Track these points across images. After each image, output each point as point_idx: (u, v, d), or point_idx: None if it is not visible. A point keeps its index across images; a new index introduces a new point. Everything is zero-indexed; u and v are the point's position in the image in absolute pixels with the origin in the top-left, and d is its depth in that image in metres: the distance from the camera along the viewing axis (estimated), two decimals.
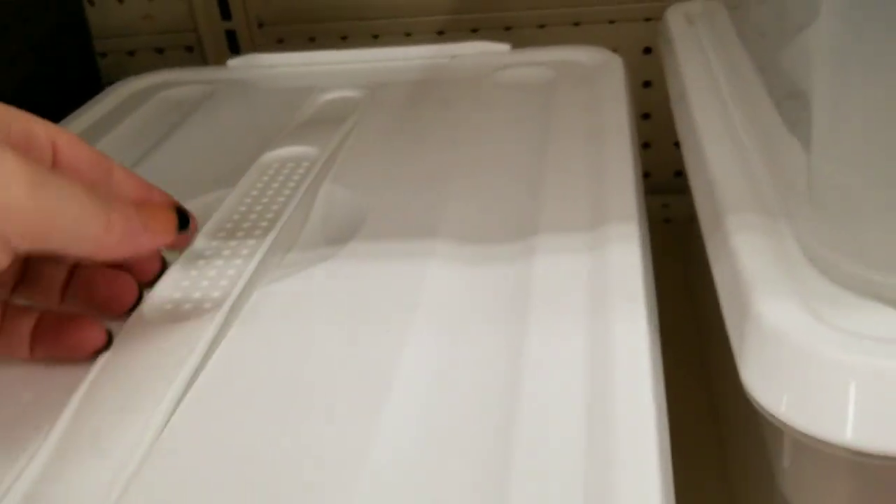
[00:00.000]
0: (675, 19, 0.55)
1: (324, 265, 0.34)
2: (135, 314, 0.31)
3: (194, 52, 0.80)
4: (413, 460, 0.24)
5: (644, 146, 0.75)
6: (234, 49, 0.78)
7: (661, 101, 0.49)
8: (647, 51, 0.71)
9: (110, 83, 0.67)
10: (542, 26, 0.72)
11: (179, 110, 0.52)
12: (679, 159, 0.41)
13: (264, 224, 0.36)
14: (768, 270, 0.28)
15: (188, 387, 0.28)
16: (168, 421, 0.26)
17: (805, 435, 0.25)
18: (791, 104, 0.34)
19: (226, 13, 0.78)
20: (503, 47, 0.55)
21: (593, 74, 0.50)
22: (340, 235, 0.36)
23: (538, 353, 0.27)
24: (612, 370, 0.26)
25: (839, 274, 0.27)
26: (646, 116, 0.74)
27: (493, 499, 0.22)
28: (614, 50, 0.53)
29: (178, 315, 0.31)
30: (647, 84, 0.73)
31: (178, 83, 0.56)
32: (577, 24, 0.71)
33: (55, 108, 0.56)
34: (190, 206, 0.34)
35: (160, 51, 0.81)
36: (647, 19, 0.70)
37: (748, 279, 0.28)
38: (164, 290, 0.32)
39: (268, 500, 0.23)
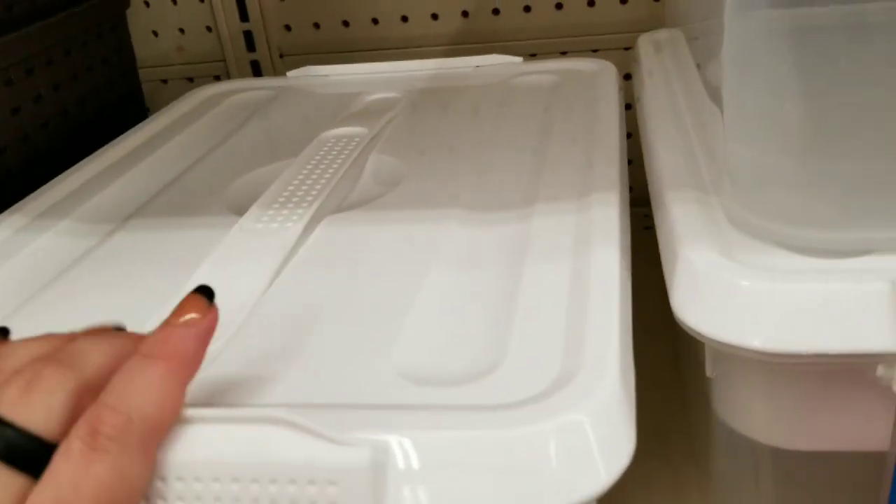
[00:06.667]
0: (645, 47, 0.64)
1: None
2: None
3: (221, 80, 0.89)
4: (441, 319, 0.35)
5: (628, 163, 0.84)
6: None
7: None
8: (627, 77, 0.80)
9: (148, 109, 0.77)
10: (532, 55, 0.81)
11: (248, 110, 0.64)
12: None
13: (323, 182, 0.47)
14: (695, 226, 0.37)
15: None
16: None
17: (724, 344, 0.33)
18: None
19: (250, 45, 0.87)
20: (517, 59, 0.67)
21: (591, 78, 0.61)
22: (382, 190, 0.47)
23: (533, 276, 0.37)
24: (588, 283, 0.35)
25: (749, 227, 0.36)
26: (628, 136, 0.83)
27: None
28: None
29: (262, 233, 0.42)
30: (628, 107, 0.81)
31: (245, 90, 0.68)
32: (564, 53, 0.81)
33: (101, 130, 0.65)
34: (261, 172, 0.49)
35: (191, 79, 0.90)
36: (627, 48, 0.79)
37: (679, 233, 0.36)
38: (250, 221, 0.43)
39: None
